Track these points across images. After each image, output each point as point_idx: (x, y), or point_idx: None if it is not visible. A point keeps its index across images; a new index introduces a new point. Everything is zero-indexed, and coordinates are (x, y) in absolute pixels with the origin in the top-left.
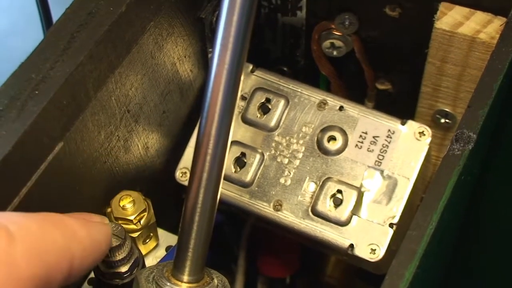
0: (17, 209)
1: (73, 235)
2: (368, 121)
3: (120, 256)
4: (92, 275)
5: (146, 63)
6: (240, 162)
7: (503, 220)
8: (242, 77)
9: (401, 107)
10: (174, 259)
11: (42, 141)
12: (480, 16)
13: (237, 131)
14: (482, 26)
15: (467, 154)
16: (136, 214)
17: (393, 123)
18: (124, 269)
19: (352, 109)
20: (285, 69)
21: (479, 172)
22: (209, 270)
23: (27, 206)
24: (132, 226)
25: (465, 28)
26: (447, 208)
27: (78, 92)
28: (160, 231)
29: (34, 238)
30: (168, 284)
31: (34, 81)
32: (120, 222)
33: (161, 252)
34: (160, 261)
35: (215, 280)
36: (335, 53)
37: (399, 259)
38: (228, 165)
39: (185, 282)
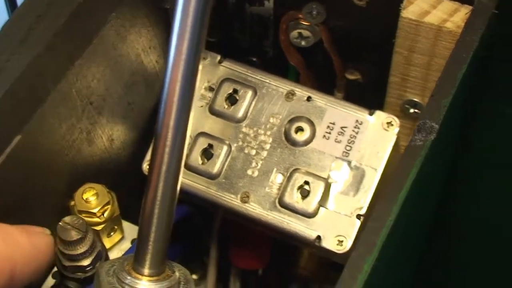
0: None
1: (14, 242)
2: (335, 111)
3: (81, 249)
4: (55, 268)
5: (108, 55)
6: (207, 153)
7: (480, 210)
8: (200, 67)
9: (370, 97)
10: (135, 253)
11: None
12: (446, 5)
13: (205, 122)
14: (449, 15)
15: (429, 145)
16: (100, 207)
17: (361, 114)
18: (86, 262)
19: (320, 100)
20: (254, 59)
21: (451, 163)
22: (171, 263)
23: None
24: (96, 219)
25: (432, 17)
26: (409, 200)
27: (36, 85)
28: (126, 224)
29: None
30: (129, 277)
31: None
32: (83, 215)
33: (126, 245)
34: (125, 253)
35: (177, 273)
36: (303, 43)
37: (358, 251)
38: (195, 157)
39: (145, 276)
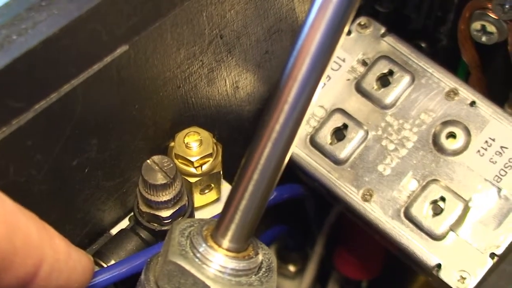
0: (53, 106)
1: (50, 240)
2: (500, 126)
3: (164, 197)
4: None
5: None
6: (339, 134)
7: None
8: (346, 28)
9: None
10: (218, 219)
11: (100, 36)
12: None
13: (346, 98)
14: None
15: None
16: (200, 157)
17: None
18: (165, 214)
19: (485, 108)
20: (423, 45)
21: None
22: (257, 243)
23: (65, 106)
24: (192, 169)
25: None
26: None
27: None
28: (226, 186)
29: (5, 211)
30: (203, 245)
31: None
32: (179, 161)
33: (219, 209)
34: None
35: (260, 256)
36: (483, 39)
37: None
38: (325, 134)
39: (223, 248)
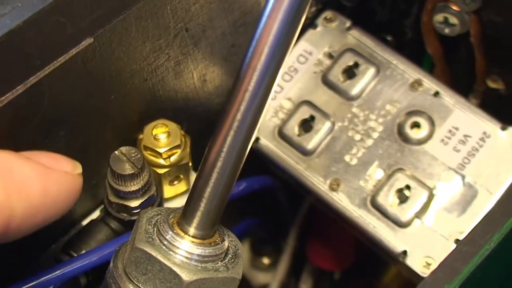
0: (19, 98)
1: (19, 191)
2: (463, 116)
3: (131, 187)
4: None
5: None
6: (306, 125)
7: None
8: (303, 18)
9: (509, 113)
10: (184, 207)
11: (65, 28)
12: None
13: (313, 91)
14: None
15: None
16: (168, 148)
17: (492, 126)
18: (133, 204)
19: (449, 98)
20: (389, 38)
21: None
22: (223, 230)
23: (31, 99)
24: (160, 161)
25: None
26: None
27: None
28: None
29: None
30: (170, 232)
31: None
32: (148, 152)
33: None
34: None
35: (226, 243)
36: (446, 30)
37: (435, 275)
38: (292, 126)
39: (189, 235)
